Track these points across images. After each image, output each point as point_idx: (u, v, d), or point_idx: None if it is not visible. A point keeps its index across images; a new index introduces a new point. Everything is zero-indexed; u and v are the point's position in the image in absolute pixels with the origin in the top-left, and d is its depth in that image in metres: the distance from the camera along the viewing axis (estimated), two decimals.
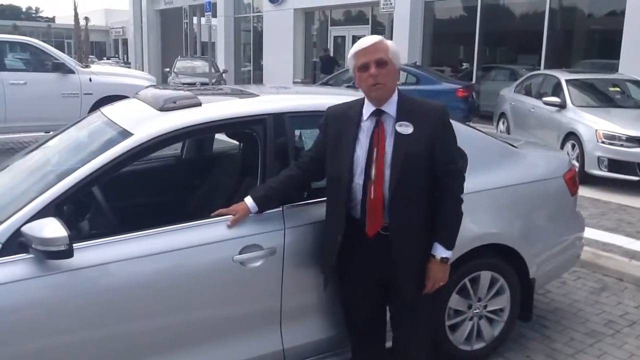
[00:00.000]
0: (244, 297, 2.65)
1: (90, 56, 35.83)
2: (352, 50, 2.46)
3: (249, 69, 25.13)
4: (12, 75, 9.15)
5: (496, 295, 3.26)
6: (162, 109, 2.73)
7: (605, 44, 13.55)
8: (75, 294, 2.31)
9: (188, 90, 3.26)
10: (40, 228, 2.19)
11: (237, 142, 3.60)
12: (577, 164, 7.65)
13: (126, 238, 2.44)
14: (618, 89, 9.14)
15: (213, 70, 18.22)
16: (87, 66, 10.55)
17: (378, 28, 17.82)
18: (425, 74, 11.68)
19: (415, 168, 2.40)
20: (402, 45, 14.80)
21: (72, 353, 2.34)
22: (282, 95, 3.58)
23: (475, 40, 15.15)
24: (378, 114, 2.45)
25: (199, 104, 2.77)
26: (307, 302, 2.79)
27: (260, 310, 2.69)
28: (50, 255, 2.20)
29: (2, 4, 74.52)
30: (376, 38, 2.45)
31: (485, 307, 3.25)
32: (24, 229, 2.21)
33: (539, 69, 12.49)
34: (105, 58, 43.71)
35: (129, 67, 26.49)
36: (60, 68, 9.45)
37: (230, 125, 2.86)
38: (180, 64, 19.82)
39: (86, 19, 40.60)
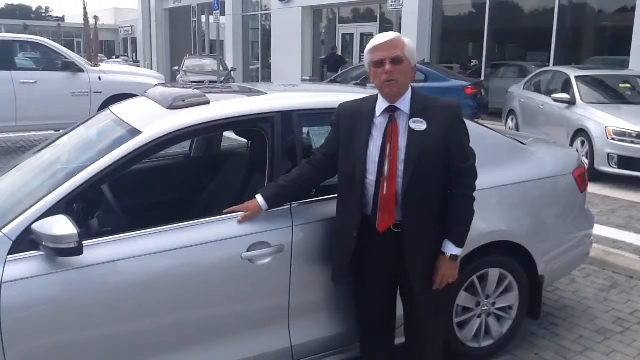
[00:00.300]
0: (252, 294, 2.66)
1: (99, 55, 35.96)
2: (368, 46, 2.47)
3: (257, 67, 25.15)
4: (23, 75, 9.22)
5: (504, 293, 3.26)
6: (171, 107, 2.74)
7: (616, 40, 13.46)
8: (85, 291, 2.33)
9: (196, 88, 3.27)
10: (50, 225, 2.21)
11: (245, 140, 3.61)
12: (586, 161, 7.62)
13: (135, 235, 2.46)
14: (628, 85, 9.06)
15: (221, 68, 18.25)
16: (96, 65, 10.60)
17: (386, 25, 17.78)
18: (434, 71, 11.64)
19: (428, 165, 2.40)
20: None
21: (82, 350, 2.36)
22: (290, 93, 3.58)
23: (484, 37, 15.09)
24: (391, 110, 2.45)
25: (208, 102, 2.78)
26: (315, 299, 2.80)
27: (268, 307, 2.71)
28: (61, 252, 2.22)
29: (12, 4, 75.00)
30: (393, 35, 2.45)
31: (493, 304, 3.24)
32: (35, 226, 2.24)
33: (548, 66, 12.43)
34: (114, 57, 43.90)
35: (137, 66, 26.59)
36: (70, 67, 9.51)
37: (238, 123, 2.87)
38: (189, 62, 19.86)
39: (95, 18, 40.75)
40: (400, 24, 14.37)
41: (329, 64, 17.87)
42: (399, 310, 2.72)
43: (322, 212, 2.74)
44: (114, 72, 10.42)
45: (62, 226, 2.20)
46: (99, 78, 9.68)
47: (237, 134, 3.47)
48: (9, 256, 2.24)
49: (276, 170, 2.72)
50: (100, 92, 9.56)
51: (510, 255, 3.21)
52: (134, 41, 42.71)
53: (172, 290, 2.48)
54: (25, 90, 9.06)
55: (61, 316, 2.30)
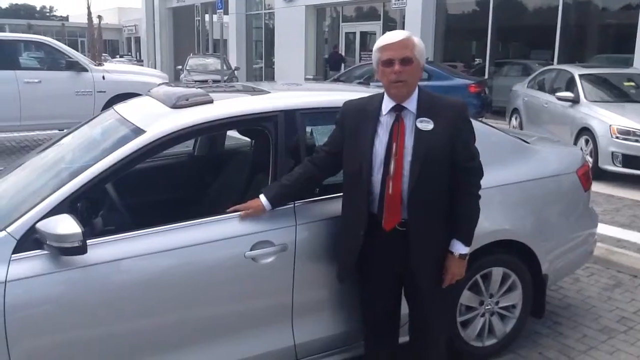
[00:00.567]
0: (256, 293, 2.66)
1: (103, 54, 36.06)
2: (378, 44, 2.44)
3: (261, 66, 25.17)
4: (27, 74, 9.25)
5: (508, 292, 3.26)
6: (175, 106, 2.75)
7: (620, 38, 13.43)
8: (89, 290, 2.34)
9: (200, 87, 3.27)
10: (54, 224, 2.21)
11: (249, 139, 3.61)
12: (590, 160, 7.60)
13: (139, 234, 2.47)
14: (633, 83, 9.04)
15: (225, 67, 18.26)
16: (100, 64, 10.63)
17: (389, 24, 17.76)
18: (438, 70, 11.62)
19: (435, 164, 2.40)
20: None
21: (86, 348, 2.37)
22: (293, 92, 3.58)
23: (488, 35, 15.07)
24: (398, 109, 2.45)
25: (211, 101, 2.79)
26: (319, 298, 2.80)
27: (271, 306, 2.71)
28: (65, 251, 2.23)
29: (16, 3, 75.20)
30: (404, 34, 2.42)
31: (497, 303, 3.24)
32: (39, 225, 2.24)
33: (552, 64, 12.40)
34: (118, 56, 44.01)
35: (141, 65, 26.64)
36: (74, 66, 9.54)
37: (242, 122, 2.87)
38: (193, 61, 19.88)
39: (99, 17, 40.84)
40: (403, 22, 14.34)
41: (330, 63, 17.89)
42: (404, 309, 2.72)
43: (326, 211, 2.74)
44: (118, 71, 10.44)
45: (66, 225, 2.21)
46: (103, 77, 9.71)
47: (240, 133, 3.48)
48: (13, 255, 2.25)
49: (280, 169, 2.72)
50: (104, 92, 9.59)
51: (514, 254, 3.21)
52: (138, 40, 42.77)
53: (175, 289, 2.49)
54: (29, 90, 9.09)
55: (65, 315, 2.31)
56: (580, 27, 14.22)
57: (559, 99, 8.70)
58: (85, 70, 9.61)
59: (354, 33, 20.01)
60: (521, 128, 10.08)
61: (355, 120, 2.52)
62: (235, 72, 19.47)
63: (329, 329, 2.83)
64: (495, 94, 14.12)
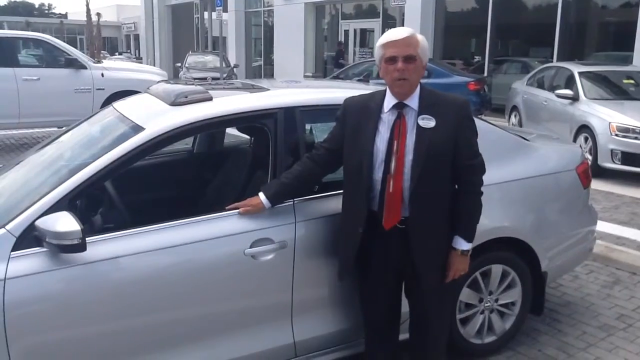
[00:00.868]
0: (255, 291, 2.66)
1: (102, 52, 35.98)
2: (381, 40, 2.43)
3: (260, 64, 25.14)
4: (26, 71, 9.24)
5: (507, 289, 3.26)
6: (174, 103, 2.74)
7: (619, 35, 13.42)
8: (89, 287, 2.34)
9: (199, 84, 3.27)
10: (53, 222, 2.21)
11: (248, 137, 3.61)
12: (590, 157, 7.60)
13: (138, 232, 2.47)
14: (632, 81, 9.04)
15: (224, 64, 18.25)
16: (99, 62, 10.62)
17: (389, 21, 17.76)
18: (437, 67, 11.61)
19: (437, 162, 2.39)
20: None
21: (86, 346, 2.37)
22: (293, 89, 3.58)
23: (487, 32, 15.06)
24: (400, 106, 2.44)
25: (210, 99, 2.78)
26: (318, 296, 2.80)
27: (271, 304, 2.71)
28: (64, 248, 2.22)
29: (15, 1, 75.06)
30: (408, 31, 2.41)
31: (496, 300, 3.24)
32: (38, 222, 2.24)
33: (552, 62, 12.39)
34: (117, 53, 43.93)
35: (140, 63, 26.61)
36: (73, 64, 9.53)
37: (241, 120, 2.87)
38: (192, 58, 19.86)
39: (98, 14, 40.73)
40: (403, 19, 14.33)
41: (336, 60, 17.97)
42: (404, 306, 2.72)
43: (325, 209, 2.74)
44: (117, 68, 10.43)
45: (66, 222, 2.20)
46: (102, 75, 9.69)
47: (239, 130, 3.48)
48: (12, 252, 2.25)
49: (279, 167, 2.72)
50: (103, 89, 9.58)
51: (514, 251, 3.21)
52: (137, 38, 42.73)
53: (175, 286, 2.48)
54: (28, 87, 9.08)
55: (64, 312, 2.31)
56: (579, 25, 14.21)
57: (559, 96, 8.70)
58: (84, 67, 9.60)
59: (354, 30, 19.98)
60: (520, 125, 10.08)
61: (357, 117, 2.51)
62: (235, 69, 19.46)
63: (328, 326, 2.84)
64: (495, 92, 14.11)
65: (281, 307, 2.72)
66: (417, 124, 2.40)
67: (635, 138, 7.33)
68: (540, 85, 10.02)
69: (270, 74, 23.33)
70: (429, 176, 2.38)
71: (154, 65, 24.62)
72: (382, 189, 2.44)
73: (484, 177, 2.56)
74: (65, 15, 65.42)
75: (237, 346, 2.65)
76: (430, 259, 2.50)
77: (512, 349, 3.39)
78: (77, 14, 53.07)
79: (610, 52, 13.08)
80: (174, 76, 21.14)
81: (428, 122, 2.39)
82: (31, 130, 10.42)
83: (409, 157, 2.38)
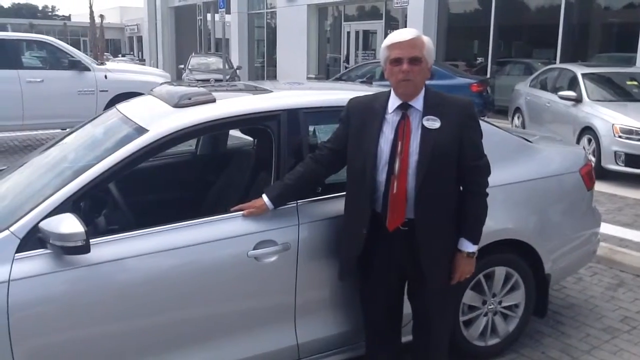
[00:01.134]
0: (259, 292, 2.66)
1: (105, 53, 36.09)
2: (386, 41, 2.43)
3: (263, 65, 25.17)
4: (29, 73, 9.26)
5: (511, 291, 3.25)
6: (177, 105, 2.74)
7: (623, 37, 13.38)
8: (92, 289, 2.34)
9: (202, 86, 3.27)
10: (57, 224, 2.22)
11: (251, 138, 3.61)
12: (593, 159, 7.58)
13: (142, 234, 2.47)
14: (635, 82, 9.01)
15: (227, 66, 18.26)
16: (102, 63, 10.63)
17: (392, 23, 17.74)
18: (440, 69, 11.60)
19: (441, 163, 2.38)
20: None
21: (89, 347, 2.37)
22: (296, 91, 3.58)
23: (490, 34, 15.04)
24: (404, 107, 2.43)
25: (214, 101, 2.78)
26: (322, 297, 2.80)
27: (274, 305, 2.71)
28: (68, 250, 2.23)
29: (19, 3, 75.31)
30: (414, 33, 2.41)
31: (499, 302, 3.24)
32: (42, 224, 2.25)
33: (555, 63, 12.38)
34: (120, 55, 44.05)
35: (143, 64, 26.66)
36: (76, 66, 9.55)
37: (244, 122, 2.87)
38: (195, 60, 19.87)
39: (101, 16, 40.87)
40: (405, 21, 14.32)
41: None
42: (406, 308, 2.71)
43: (328, 210, 2.74)
44: (120, 70, 10.45)
45: (69, 224, 2.21)
46: (105, 77, 9.71)
47: (243, 132, 3.48)
48: (16, 254, 2.25)
49: (282, 168, 2.72)
50: (107, 91, 9.60)
51: (517, 253, 3.20)
52: (140, 39, 42.81)
53: (178, 288, 2.49)
54: (32, 89, 9.10)
55: (68, 314, 2.31)
56: (582, 26, 14.20)
57: (562, 98, 8.68)
58: (88, 69, 9.62)
59: (357, 32, 19.99)
60: (523, 127, 10.07)
61: (361, 118, 2.51)
62: (237, 71, 19.47)
63: (331, 328, 2.84)
64: (498, 93, 14.10)
65: (284, 309, 2.72)
66: (422, 124, 2.40)
67: (639, 140, 7.31)
68: (544, 87, 10.01)
69: (273, 76, 23.35)
70: (434, 177, 2.38)
71: (157, 67, 24.65)
72: (385, 190, 2.43)
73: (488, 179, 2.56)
74: (68, 17, 65.66)
75: (241, 348, 2.65)
76: (436, 260, 2.49)
77: (516, 352, 3.39)
78: (80, 16, 53.29)
79: (613, 54, 13.06)
80: (177, 78, 21.17)
81: (433, 123, 2.39)
82: (35, 132, 10.45)
83: (413, 158, 2.38)
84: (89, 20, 37.67)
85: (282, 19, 22.09)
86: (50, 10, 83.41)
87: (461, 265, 2.53)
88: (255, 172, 3.16)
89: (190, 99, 2.75)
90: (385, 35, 17.47)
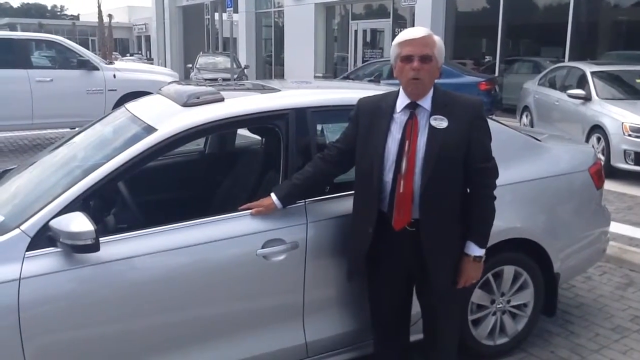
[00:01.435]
0: (267, 291, 2.67)
1: (114, 53, 36.24)
2: (398, 39, 2.42)
3: (271, 64, 25.19)
4: (39, 73, 9.32)
5: (520, 290, 3.24)
6: (186, 104, 2.75)
7: (632, 34, 13.31)
8: (102, 287, 2.36)
9: (210, 85, 3.28)
10: (67, 222, 2.23)
11: (259, 137, 3.62)
12: (602, 158, 7.55)
13: (151, 232, 2.48)
14: None
15: (235, 65, 18.29)
16: (111, 63, 10.68)
17: (399, 21, 17.71)
18: (448, 67, 11.58)
19: (448, 163, 2.37)
20: None
21: (99, 345, 2.39)
22: (303, 90, 3.58)
23: (498, 32, 14.99)
24: (412, 106, 2.43)
25: (222, 100, 2.79)
26: (330, 296, 2.80)
27: (283, 304, 2.71)
28: (78, 249, 2.24)
29: (28, 3, 75.72)
30: (426, 31, 2.40)
31: (508, 302, 3.23)
32: (52, 223, 2.26)
33: (564, 61, 12.32)
34: (128, 54, 44.22)
35: (151, 64, 26.75)
36: (85, 65, 9.60)
37: (252, 120, 2.87)
38: (202, 59, 19.92)
39: (110, 16, 41.06)
40: (413, 20, 14.30)
41: None
42: (415, 307, 2.71)
43: (337, 209, 2.74)
44: (129, 69, 10.49)
45: (79, 223, 2.22)
46: (114, 76, 9.76)
47: (251, 131, 3.48)
48: (27, 252, 2.27)
49: (290, 167, 2.73)
50: (115, 90, 9.64)
51: (526, 252, 3.19)
52: (148, 39, 42.97)
53: (187, 286, 2.50)
54: (41, 89, 9.16)
55: (78, 312, 2.32)
56: (591, 24, 14.11)
57: (571, 96, 8.64)
58: (97, 68, 9.67)
59: (364, 31, 19.98)
60: (532, 126, 10.03)
61: (370, 118, 2.50)
62: (245, 70, 19.51)
63: (340, 326, 2.84)
64: (506, 92, 14.05)
65: (293, 308, 2.72)
66: (430, 124, 2.39)
67: None
68: (552, 85, 9.97)
69: (280, 75, 23.37)
70: (440, 177, 2.37)
71: (165, 67, 24.75)
72: (392, 190, 2.42)
73: None
74: (77, 17, 65.97)
75: (250, 346, 2.65)
76: (441, 261, 2.48)
77: (525, 351, 3.38)
78: (88, 16, 53.52)
79: (622, 52, 12.97)
80: (185, 77, 21.23)
81: (440, 123, 2.38)
82: (44, 131, 10.50)
83: (420, 157, 2.37)
84: (97, 20, 37.87)
85: (289, 17, 22.10)
86: (59, 10, 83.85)
87: (467, 269, 2.50)
88: (263, 171, 3.16)
89: (198, 98, 2.76)
90: (393, 33, 17.43)
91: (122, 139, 2.77)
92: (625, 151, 7.42)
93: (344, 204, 2.70)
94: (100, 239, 2.26)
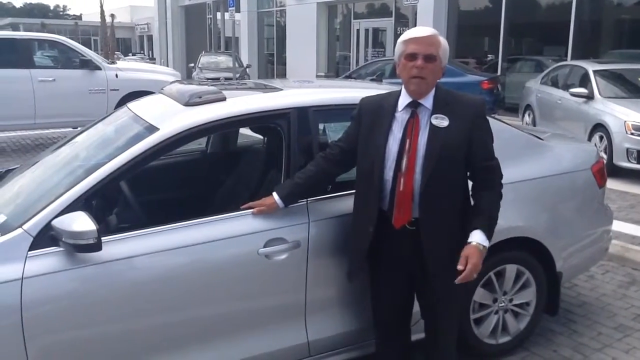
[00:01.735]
0: (269, 290, 2.67)
1: (116, 52, 36.28)
2: (403, 37, 2.42)
3: (273, 64, 25.20)
4: (41, 73, 9.34)
5: (522, 289, 3.24)
6: (188, 104, 2.76)
7: (635, 33, 13.29)
8: (104, 287, 2.36)
9: (212, 85, 3.28)
10: (69, 222, 2.23)
11: (261, 137, 3.62)
12: (605, 156, 7.53)
13: (153, 231, 2.48)
14: None
15: (237, 65, 18.30)
16: (113, 62, 10.70)
17: (401, 20, 17.70)
18: (450, 66, 11.45)
19: (449, 162, 2.37)
20: None
21: (101, 344, 2.39)
22: (306, 89, 3.58)
23: (501, 31, 14.96)
24: (414, 105, 2.43)
25: (224, 99, 2.79)
26: (332, 295, 2.80)
27: (285, 303, 2.71)
28: (80, 248, 2.24)
29: (30, 3, 75.85)
30: (431, 31, 2.41)
31: (510, 300, 3.22)
32: (54, 222, 2.27)
33: (566, 60, 12.30)
34: (130, 54, 44.27)
35: (154, 63, 26.78)
36: (88, 65, 9.62)
37: (254, 120, 2.87)
38: (205, 59, 19.95)
39: (112, 16, 41.10)
40: (415, 19, 14.28)
41: None
42: (417, 306, 2.70)
43: (339, 208, 2.74)
44: (131, 69, 10.50)
45: (82, 222, 2.23)
46: (116, 75, 9.77)
47: (253, 130, 3.49)
48: (29, 252, 2.27)
49: (292, 166, 2.73)
50: (117, 90, 9.66)
51: (528, 251, 3.19)
52: (150, 38, 43.02)
53: (189, 285, 2.50)
54: (43, 88, 9.18)
55: (80, 311, 2.33)
56: (594, 23, 14.08)
57: (573, 95, 8.63)
58: (99, 68, 9.68)
59: (367, 29, 19.96)
60: (534, 124, 10.01)
61: (372, 117, 2.50)
62: (247, 69, 19.51)
63: (342, 325, 2.84)
64: (508, 91, 14.04)
65: (295, 307, 2.73)
66: (431, 123, 2.39)
67: None
68: (555, 84, 9.95)
69: (282, 74, 23.37)
70: (440, 176, 2.36)
71: (167, 66, 24.76)
72: (392, 188, 2.42)
73: None
74: (79, 17, 66.04)
75: (252, 345, 2.66)
76: (441, 260, 2.47)
77: (527, 350, 3.38)
78: (91, 15, 53.58)
79: (625, 50, 12.95)
80: (187, 77, 21.25)
81: (441, 122, 2.38)
82: (47, 131, 10.52)
83: (420, 155, 2.37)
84: (99, 20, 37.90)
85: (291, 17, 22.09)
86: (61, 9, 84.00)
87: (472, 255, 2.34)
88: (265, 170, 3.16)
89: (200, 97, 2.76)
90: (395, 32, 17.37)
91: (124, 139, 2.77)
92: (627, 150, 7.41)
93: (346, 203, 2.70)
94: (102, 238, 2.27)
